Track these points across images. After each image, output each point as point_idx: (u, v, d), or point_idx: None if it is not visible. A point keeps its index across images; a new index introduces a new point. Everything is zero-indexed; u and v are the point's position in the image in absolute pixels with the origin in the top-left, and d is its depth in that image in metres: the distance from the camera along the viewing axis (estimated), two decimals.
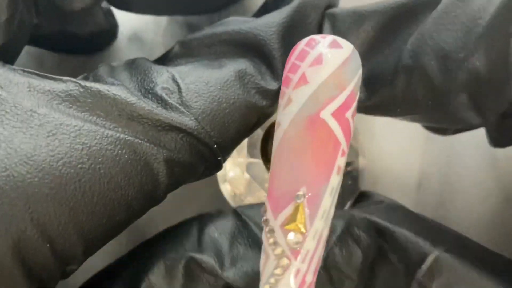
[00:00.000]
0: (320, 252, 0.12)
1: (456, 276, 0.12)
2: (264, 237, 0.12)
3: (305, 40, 0.12)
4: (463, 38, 0.12)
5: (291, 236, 0.11)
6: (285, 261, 0.11)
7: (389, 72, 0.13)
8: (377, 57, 0.14)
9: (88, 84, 0.12)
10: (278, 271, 0.11)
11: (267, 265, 0.11)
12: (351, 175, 0.18)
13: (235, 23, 0.14)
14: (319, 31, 0.14)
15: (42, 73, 0.12)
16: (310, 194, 0.11)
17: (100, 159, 0.11)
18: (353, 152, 0.19)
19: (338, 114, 0.11)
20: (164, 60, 0.15)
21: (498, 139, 0.13)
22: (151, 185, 0.12)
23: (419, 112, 0.14)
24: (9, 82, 0.11)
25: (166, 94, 0.12)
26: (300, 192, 0.11)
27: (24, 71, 0.12)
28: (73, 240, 0.11)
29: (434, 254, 0.13)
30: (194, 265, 0.12)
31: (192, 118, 0.12)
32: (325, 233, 0.12)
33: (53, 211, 0.11)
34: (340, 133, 0.11)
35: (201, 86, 0.13)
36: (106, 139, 0.11)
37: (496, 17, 0.11)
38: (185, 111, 0.12)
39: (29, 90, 0.11)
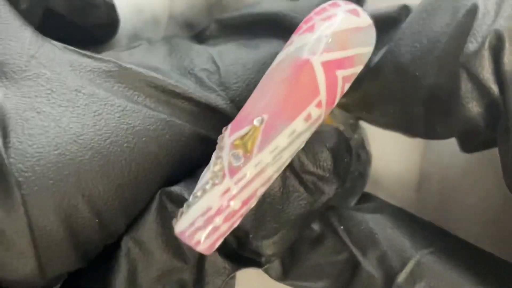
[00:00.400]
0: (255, 188, 0.11)
1: (437, 279, 0.12)
2: (215, 151, 0.12)
3: (331, 1, 0.12)
4: (421, 58, 0.12)
5: (235, 153, 0.11)
6: (220, 175, 0.11)
7: (357, 77, 0.13)
8: None
9: (128, 64, 0.12)
10: (211, 181, 0.11)
11: (205, 175, 0.12)
12: (359, 170, 0.18)
13: (272, 5, 0.15)
14: None
15: (82, 51, 0.12)
16: (268, 123, 0.11)
17: (144, 139, 0.12)
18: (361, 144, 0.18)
19: (329, 66, 0.11)
20: (200, 38, 0.15)
21: (464, 146, 0.14)
22: (189, 163, 0.13)
23: (388, 115, 0.14)
24: (51, 61, 0.12)
25: (206, 76, 0.13)
26: (260, 117, 0.11)
27: (65, 47, 0.12)
28: (118, 215, 0.12)
29: (415, 258, 0.13)
30: (164, 197, 0.12)
31: (228, 100, 0.13)
32: (270, 172, 0.11)
33: (102, 188, 0.11)
34: (323, 84, 0.11)
35: (239, 67, 0.13)
36: (149, 119, 0.12)
37: (449, 43, 0.12)
38: (222, 93, 0.13)
39: (72, 69, 0.12)
